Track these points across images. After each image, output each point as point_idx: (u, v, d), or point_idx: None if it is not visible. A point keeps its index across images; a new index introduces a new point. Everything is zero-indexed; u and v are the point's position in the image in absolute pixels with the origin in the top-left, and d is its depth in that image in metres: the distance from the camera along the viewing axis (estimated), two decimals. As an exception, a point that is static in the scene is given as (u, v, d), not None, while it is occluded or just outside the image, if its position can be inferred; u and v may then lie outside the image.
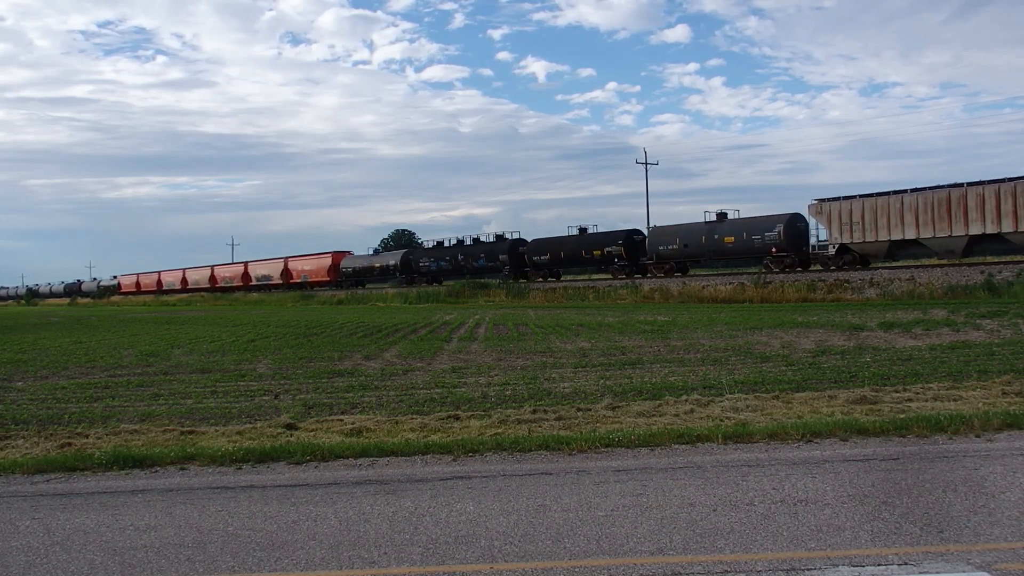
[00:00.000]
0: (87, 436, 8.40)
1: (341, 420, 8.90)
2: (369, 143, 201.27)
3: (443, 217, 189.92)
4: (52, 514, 5.78)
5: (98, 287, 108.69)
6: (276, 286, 75.57)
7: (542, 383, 11.30)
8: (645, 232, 48.04)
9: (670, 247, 44.07)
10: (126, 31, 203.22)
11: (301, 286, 72.24)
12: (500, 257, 53.80)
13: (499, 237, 55.58)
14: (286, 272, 75.31)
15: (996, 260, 33.16)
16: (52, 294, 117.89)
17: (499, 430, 8.08)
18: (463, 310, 36.20)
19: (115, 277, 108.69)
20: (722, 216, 42.61)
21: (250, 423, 8.90)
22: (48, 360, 16.55)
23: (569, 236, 50.93)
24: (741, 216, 42.66)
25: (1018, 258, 31.83)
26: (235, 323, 30.19)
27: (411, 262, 62.18)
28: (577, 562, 4.48)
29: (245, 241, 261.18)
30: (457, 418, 8.80)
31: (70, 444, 8.03)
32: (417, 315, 32.33)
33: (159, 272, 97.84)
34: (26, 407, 10.48)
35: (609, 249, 47.21)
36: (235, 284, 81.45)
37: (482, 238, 57.35)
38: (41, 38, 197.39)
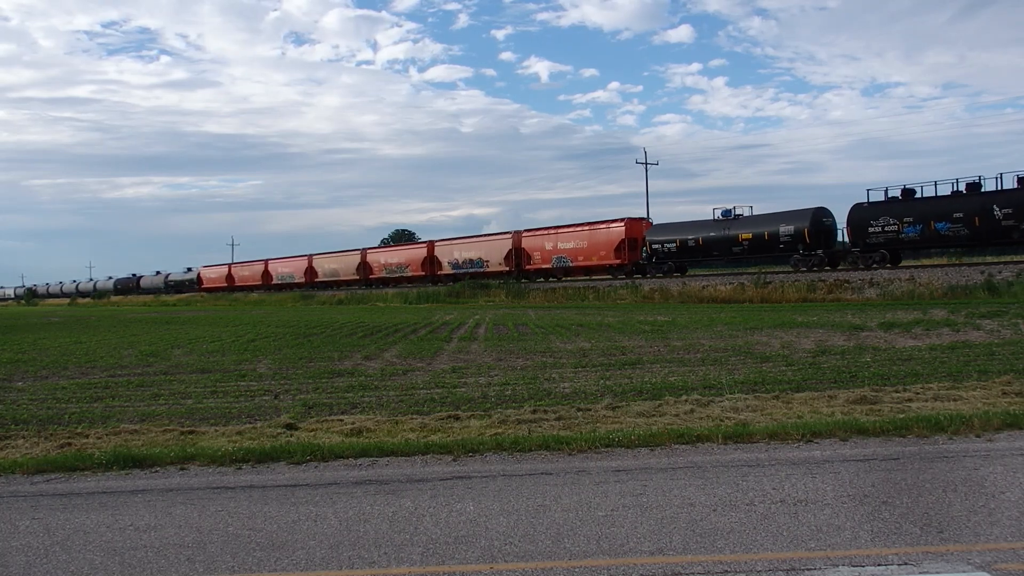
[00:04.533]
0: (87, 436, 8.39)
1: (341, 420, 8.89)
2: (371, 143, 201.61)
3: (443, 217, 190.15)
4: (52, 514, 5.77)
5: (165, 283, 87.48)
6: (496, 275, 49.93)
7: (542, 383, 11.30)
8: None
9: None
10: (130, 31, 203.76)
11: (549, 273, 47.95)
12: None
13: None
14: (517, 254, 49.64)
15: (996, 260, 33.15)
16: (98, 291, 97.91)
17: (499, 430, 8.07)
18: (463, 310, 36.19)
19: (190, 269, 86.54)
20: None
21: (250, 423, 8.90)
22: (48, 360, 16.55)
23: None
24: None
25: (1018, 258, 31.80)
26: (235, 323, 30.18)
27: (831, 229, 35.39)
28: (577, 562, 4.47)
29: (245, 241, 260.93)
30: (457, 418, 8.80)
31: (70, 444, 8.03)
32: (417, 315, 32.31)
33: (266, 261, 72.67)
34: (26, 407, 10.47)
35: None
36: (412, 274, 57.33)
37: None
38: (45, 38, 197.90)
